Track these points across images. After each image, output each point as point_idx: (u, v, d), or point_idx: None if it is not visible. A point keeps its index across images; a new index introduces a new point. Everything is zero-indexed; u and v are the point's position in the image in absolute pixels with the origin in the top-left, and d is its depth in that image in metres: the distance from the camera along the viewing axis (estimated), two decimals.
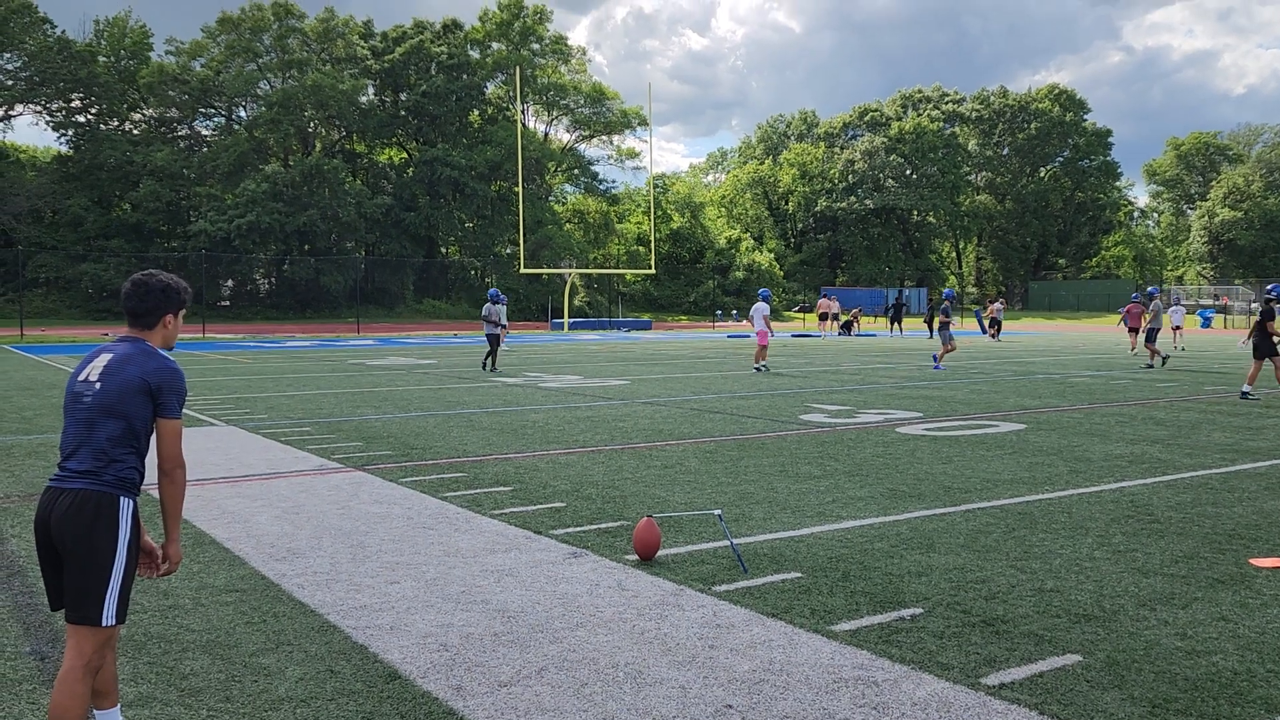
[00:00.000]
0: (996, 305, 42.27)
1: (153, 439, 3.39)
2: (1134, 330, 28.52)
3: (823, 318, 46.53)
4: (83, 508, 3.19)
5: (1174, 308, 32.61)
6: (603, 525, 6.77)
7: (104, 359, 3.33)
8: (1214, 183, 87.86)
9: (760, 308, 21.82)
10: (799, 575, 5.56)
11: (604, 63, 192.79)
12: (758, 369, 21.05)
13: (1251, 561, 5.85)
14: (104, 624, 3.22)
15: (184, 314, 3.57)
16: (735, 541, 6.08)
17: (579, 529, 6.67)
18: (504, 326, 29.22)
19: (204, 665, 4.25)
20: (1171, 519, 6.96)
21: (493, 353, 21.47)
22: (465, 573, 5.65)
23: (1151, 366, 22.65)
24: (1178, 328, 32.10)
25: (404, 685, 4.06)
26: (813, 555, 5.98)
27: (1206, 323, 57.40)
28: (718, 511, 6.43)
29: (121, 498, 3.27)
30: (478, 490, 7.98)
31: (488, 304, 21.89)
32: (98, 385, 3.27)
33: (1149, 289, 24.41)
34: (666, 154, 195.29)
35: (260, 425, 12.07)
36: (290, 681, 4.09)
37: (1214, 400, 15.15)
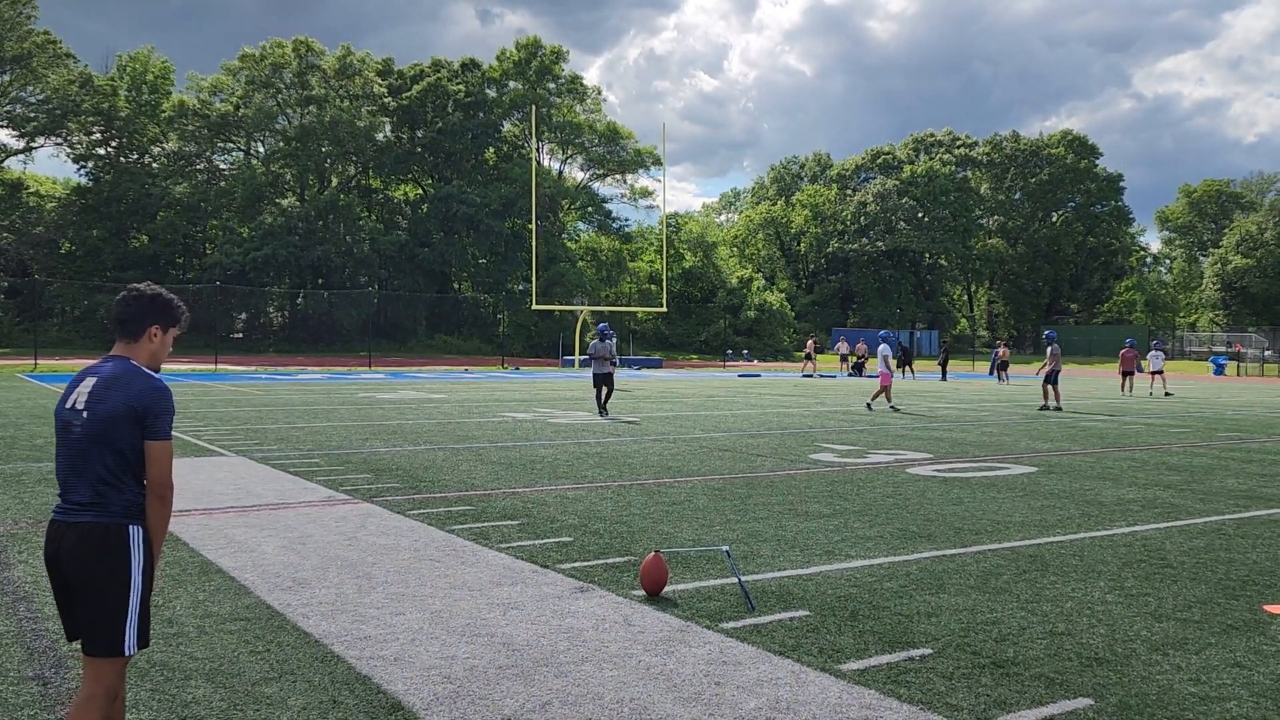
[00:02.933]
0: (1000, 349, 41.62)
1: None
2: (1126, 374, 29.66)
3: (842, 359, 47.45)
4: (93, 542, 3.15)
5: (1152, 353, 32.50)
6: (610, 560, 6.73)
7: (89, 384, 3.25)
8: (1226, 230, 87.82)
9: (883, 349, 22.33)
10: (807, 613, 5.51)
11: (617, 103, 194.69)
12: (892, 408, 21.74)
13: (1265, 608, 5.78)
14: (125, 653, 3.21)
15: (175, 333, 3.46)
16: (743, 579, 6.03)
17: (586, 563, 6.64)
18: (615, 364, 29.16)
19: (206, 693, 4.22)
20: (1185, 564, 6.88)
21: (607, 395, 19.39)
22: (471, 605, 5.62)
23: (1045, 409, 22.76)
24: (1157, 372, 31.99)
25: (407, 717, 4.02)
26: (821, 594, 5.93)
27: (1220, 369, 57.07)
28: (726, 548, 6.39)
29: (130, 526, 3.22)
30: (485, 523, 7.96)
31: (594, 340, 20.22)
32: (85, 414, 3.20)
33: (1047, 333, 24.44)
34: (678, 193, 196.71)
35: (270, 456, 12.08)
36: (293, 711, 4.06)
37: (1228, 447, 15.04)
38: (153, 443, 3.22)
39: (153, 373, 3.33)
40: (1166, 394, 30.32)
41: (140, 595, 3.23)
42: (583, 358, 49.28)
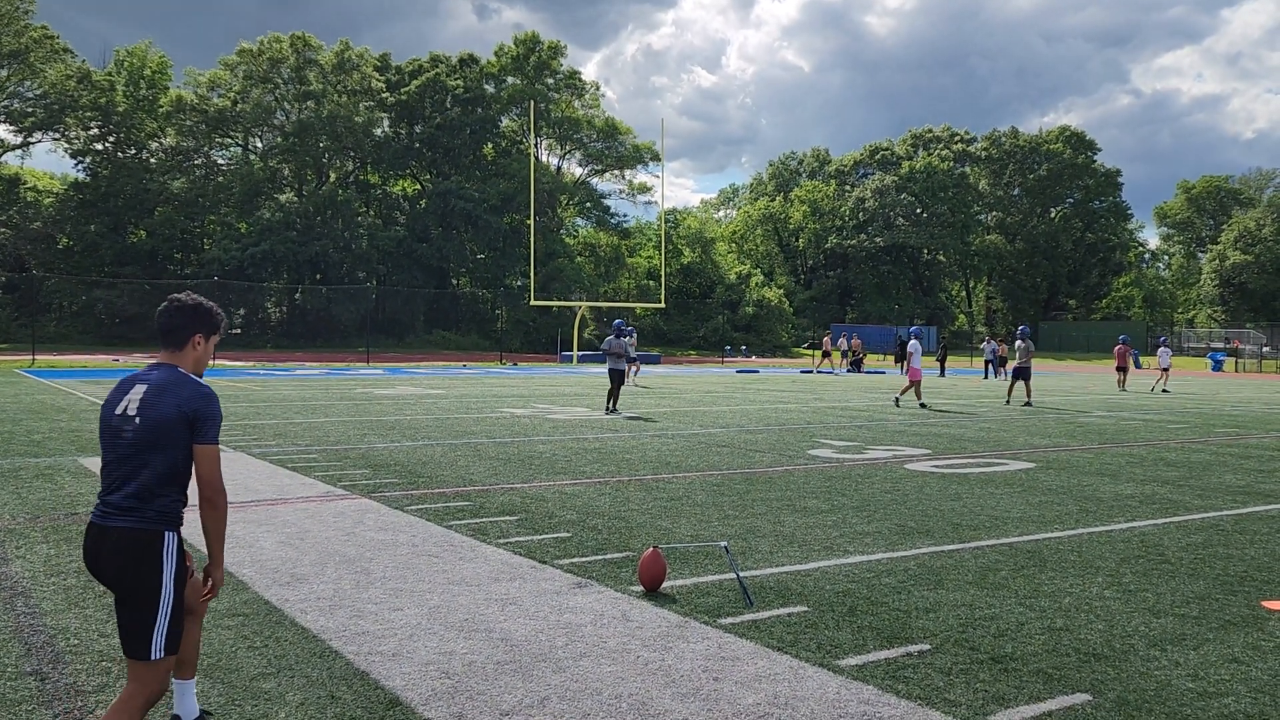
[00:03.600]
0: (997, 345, 41.09)
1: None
2: (1121, 370, 29.90)
3: (842, 354, 47.56)
4: (128, 548, 3.23)
5: (1161, 350, 32.57)
6: (608, 556, 6.73)
7: (139, 390, 3.32)
8: (1225, 226, 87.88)
9: (913, 345, 22.22)
10: (805, 609, 5.51)
11: (614, 98, 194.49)
12: (922, 406, 21.57)
13: (1264, 604, 5.78)
14: (153, 658, 3.27)
15: (216, 340, 3.58)
16: (741, 574, 6.03)
17: (584, 559, 6.63)
18: (634, 360, 28.86)
19: (204, 689, 4.22)
20: (1183, 560, 6.89)
21: (614, 391, 18.98)
22: (469, 601, 5.62)
23: (1008, 403, 22.97)
24: (1165, 369, 32.05)
25: (405, 712, 4.02)
26: (819, 589, 5.93)
27: (1218, 366, 57.14)
28: (724, 543, 6.39)
29: (166, 533, 3.29)
30: (483, 519, 7.96)
31: (610, 336, 19.83)
32: (137, 420, 3.27)
33: (1020, 328, 24.51)
34: (676, 189, 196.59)
35: (268, 451, 12.08)
36: (291, 706, 4.06)
37: (1226, 443, 15.05)
38: (201, 447, 3.31)
39: (199, 379, 3.43)
40: (1163, 390, 30.37)
41: (171, 602, 3.29)
42: (575, 353, 49.27)
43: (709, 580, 6.10)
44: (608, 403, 18.91)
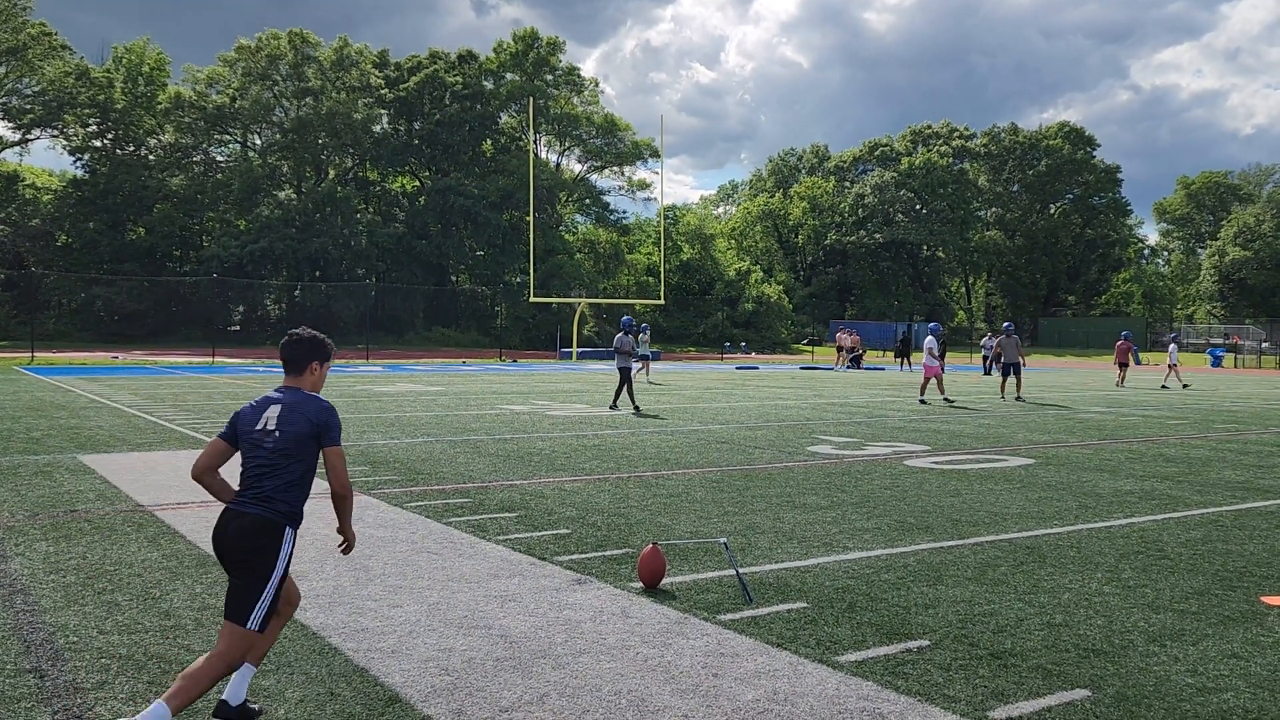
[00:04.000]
0: (990, 340, 40.58)
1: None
2: (1122, 365, 30.01)
3: (842, 350, 47.22)
4: (254, 529, 3.79)
5: (1171, 347, 32.61)
6: (608, 552, 6.73)
7: (275, 410, 3.93)
8: (1224, 222, 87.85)
9: (929, 341, 22.19)
10: (805, 605, 5.51)
11: (613, 95, 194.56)
12: (948, 400, 21.60)
13: (1263, 599, 5.79)
14: (248, 626, 3.76)
15: (329, 366, 4.18)
16: (741, 571, 6.03)
17: (584, 555, 6.64)
18: (646, 358, 28.46)
19: None
20: (1182, 555, 6.89)
21: (619, 389, 18.75)
22: (469, 597, 5.62)
23: (1007, 397, 23.17)
24: (1173, 365, 32.09)
25: (405, 709, 4.02)
26: (819, 586, 5.93)
27: (1217, 362, 57.16)
28: (723, 539, 6.39)
29: (287, 527, 3.85)
30: (483, 515, 7.96)
31: (619, 333, 19.41)
32: (276, 434, 3.88)
33: (1005, 325, 24.65)
34: (675, 185, 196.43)
35: None
36: (290, 703, 4.05)
37: (1225, 439, 15.06)
38: (330, 450, 3.96)
39: (319, 396, 4.06)
40: (1162, 387, 30.44)
41: (278, 584, 3.83)
42: (575, 350, 49.27)
43: (708, 577, 6.10)
44: (613, 400, 18.82)
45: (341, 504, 4.06)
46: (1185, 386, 30.85)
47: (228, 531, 3.82)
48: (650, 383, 28.21)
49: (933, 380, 22.00)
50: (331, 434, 3.94)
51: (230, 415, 4.15)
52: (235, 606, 3.79)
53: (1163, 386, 30.43)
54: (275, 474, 3.86)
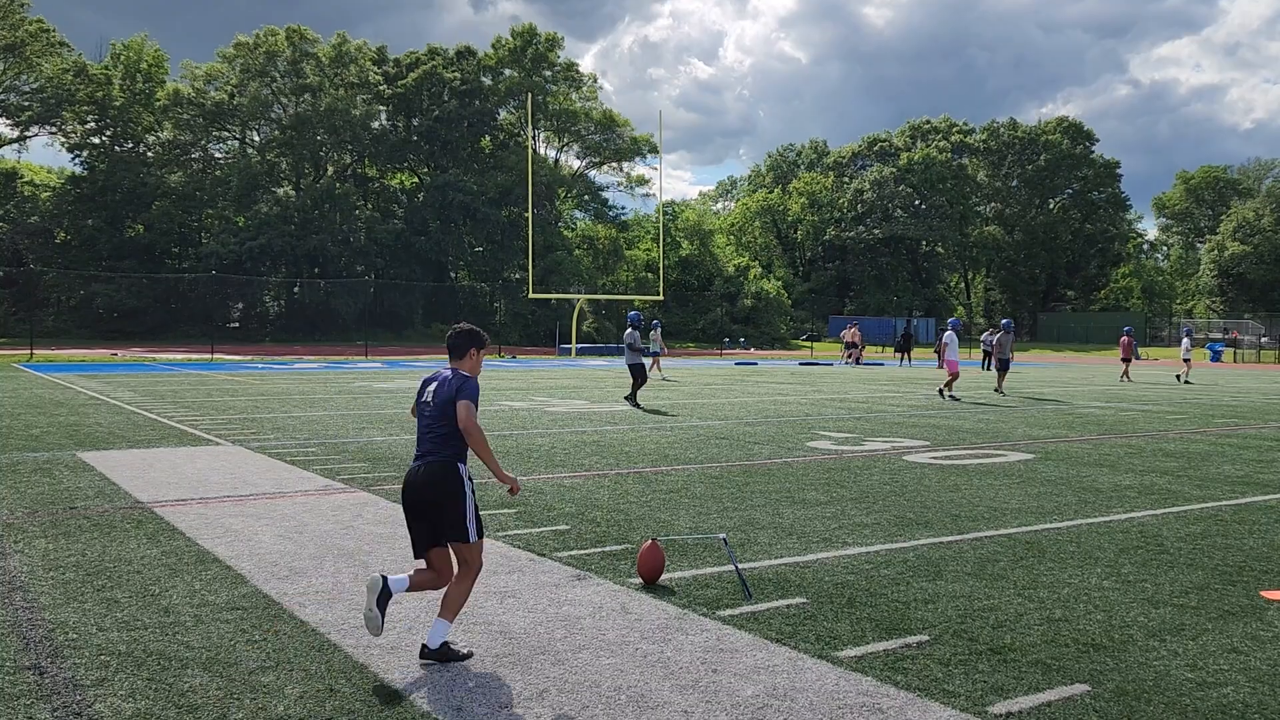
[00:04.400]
0: (989, 335, 40.32)
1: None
2: (1126, 360, 30.08)
3: (848, 347, 47.10)
4: (437, 473, 4.76)
5: (1184, 340, 32.67)
6: (607, 548, 6.73)
7: (433, 385, 4.94)
8: (1223, 216, 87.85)
9: (949, 336, 22.09)
10: (804, 601, 5.51)
11: (611, 90, 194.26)
12: (954, 398, 21.45)
13: (1263, 594, 5.79)
14: (470, 540, 4.76)
15: (485, 352, 5.17)
16: (740, 567, 6.03)
17: (583, 552, 6.63)
18: (654, 354, 27.46)
19: (203, 682, 4.22)
20: (1181, 550, 6.89)
21: (634, 385, 18.57)
22: None
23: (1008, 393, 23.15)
24: (1186, 359, 32.14)
25: (404, 705, 4.02)
26: (818, 581, 5.93)
27: (1216, 356, 57.18)
28: (722, 536, 6.39)
29: (458, 463, 4.80)
30: (482, 512, 7.93)
31: (629, 329, 19.51)
32: (431, 402, 4.88)
33: (1003, 321, 24.56)
34: (673, 181, 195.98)
35: (266, 445, 12.07)
36: (290, 700, 4.05)
37: (1225, 434, 15.06)
38: (460, 402, 4.75)
39: (470, 375, 4.94)
40: (1182, 380, 30.54)
41: (472, 502, 4.82)
42: (574, 346, 49.26)
43: (708, 572, 6.10)
44: (633, 397, 18.48)
45: (470, 441, 4.73)
46: (1178, 377, 31.02)
47: (416, 481, 4.81)
48: (664, 378, 28.13)
49: (949, 376, 21.77)
50: (465, 393, 4.80)
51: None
52: (454, 533, 4.75)
53: (1181, 380, 30.61)
54: (434, 431, 4.82)
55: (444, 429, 4.81)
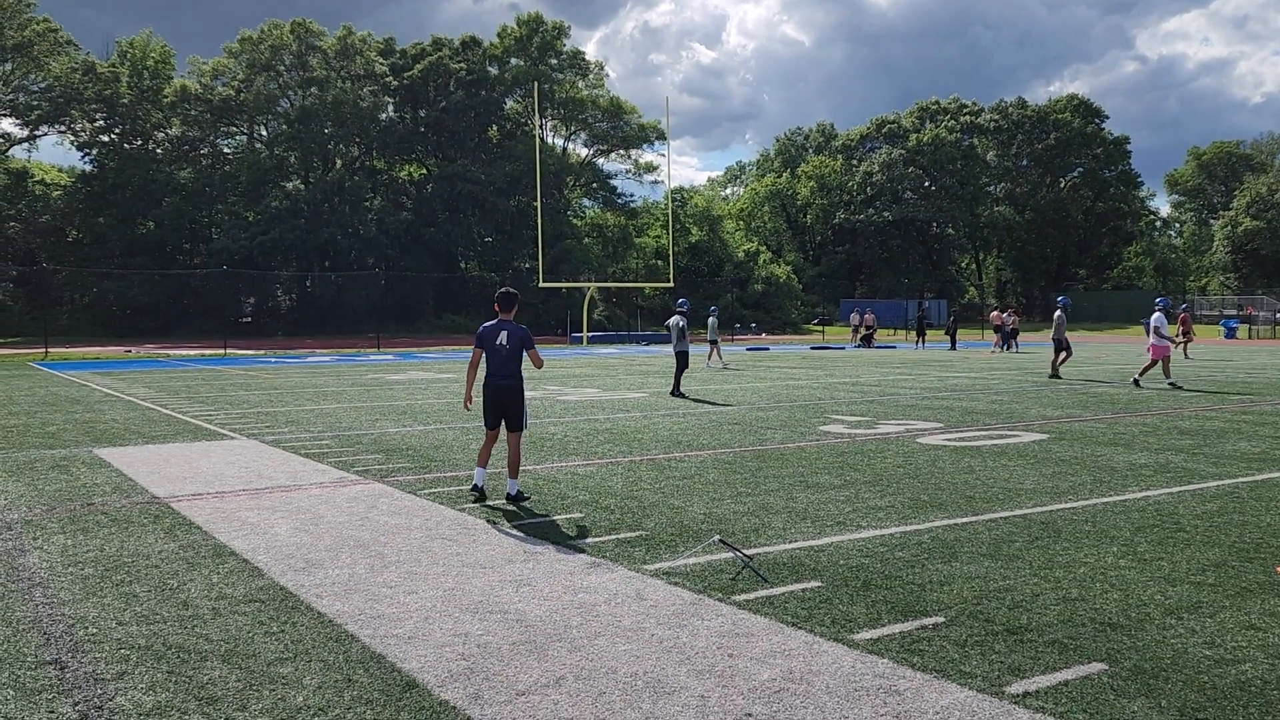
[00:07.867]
0: (1010, 317, 39.49)
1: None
2: (1186, 337, 29.98)
3: (856, 330, 46.98)
4: (511, 389, 8.01)
5: (1181, 318, 32.49)
6: (621, 535, 6.74)
7: (504, 333, 8.06)
8: (1237, 192, 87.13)
9: (1157, 318, 19.55)
10: (819, 584, 5.51)
11: (615, 77, 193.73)
12: (1172, 384, 19.50)
13: (1279, 570, 5.76)
14: (523, 429, 8.11)
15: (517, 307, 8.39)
16: (750, 553, 6.03)
17: (597, 539, 6.65)
18: (712, 341, 27.40)
19: (222, 674, 4.25)
20: (1198, 528, 6.87)
21: (677, 374, 18.08)
22: (483, 582, 5.64)
23: (1056, 377, 22.04)
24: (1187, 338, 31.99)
25: (422, 694, 4.04)
26: (833, 564, 5.93)
27: (1231, 333, 56.84)
28: (716, 537, 6.38)
29: (522, 383, 8.08)
30: (496, 501, 7.97)
31: (675, 315, 18.86)
32: (506, 344, 8.01)
33: (1059, 299, 23.49)
34: (680, 167, 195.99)
35: (281, 438, 12.12)
36: (308, 691, 4.08)
37: (1240, 410, 14.98)
38: (530, 351, 8.17)
39: (520, 325, 8.14)
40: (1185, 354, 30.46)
41: (528, 408, 8.18)
42: (585, 334, 49.26)
43: (722, 558, 6.10)
44: (674, 387, 17.93)
45: (539, 368, 8.58)
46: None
47: (499, 391, 7.99)
48: (724, 366, 27.39)
49: (1159, 361, 19.44)
50: (529, 342, 8.13)
51: (475, 335, 8.16)
52: (514, 422, 8.03)
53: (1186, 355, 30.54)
54: (509, 363, 7.98)
55: (516, 361, 7.97)
